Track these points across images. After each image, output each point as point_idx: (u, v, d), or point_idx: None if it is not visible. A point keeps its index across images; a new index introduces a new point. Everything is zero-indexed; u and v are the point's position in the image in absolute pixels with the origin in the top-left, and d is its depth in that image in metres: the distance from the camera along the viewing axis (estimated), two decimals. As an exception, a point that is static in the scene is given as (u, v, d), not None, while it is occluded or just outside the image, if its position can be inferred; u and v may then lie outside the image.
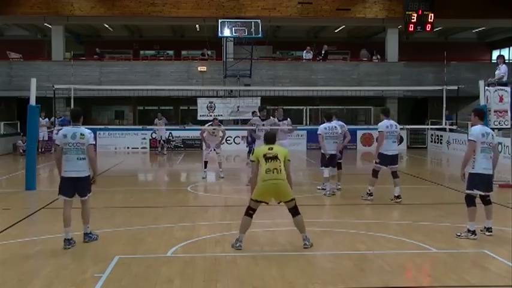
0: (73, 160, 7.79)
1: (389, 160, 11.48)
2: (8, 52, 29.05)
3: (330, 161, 12.52)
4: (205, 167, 15.71)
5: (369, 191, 11.73)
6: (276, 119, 14.45)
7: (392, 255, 7.41)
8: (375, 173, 11.70)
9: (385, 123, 11.57)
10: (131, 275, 6.51)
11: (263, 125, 14.14)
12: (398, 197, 11.44)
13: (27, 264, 7.13)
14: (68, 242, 7.73)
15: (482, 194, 8.33)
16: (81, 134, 7.87)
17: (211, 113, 24.65)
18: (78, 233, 8.25)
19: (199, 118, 25.10)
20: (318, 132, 12.63)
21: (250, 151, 17.07)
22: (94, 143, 8.05)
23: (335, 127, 12.57)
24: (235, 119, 26.42)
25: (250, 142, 17.14)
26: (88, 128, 8.22)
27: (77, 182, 7.82)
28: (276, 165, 7.54)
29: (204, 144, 16.60)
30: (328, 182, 12.52)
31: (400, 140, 27.08)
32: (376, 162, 11.64)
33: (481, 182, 8.25)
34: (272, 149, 7.71)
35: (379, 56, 29.23)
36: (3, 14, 26.95)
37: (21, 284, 6.28)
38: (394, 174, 11.48)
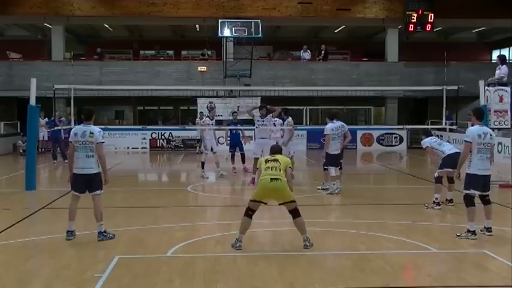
0: (82, 157, 8.12)
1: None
2: (8, 52, 29.05)
3: (336, 160, 12.53)
4: (203, 167, 15.76)
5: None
6: (276, 119, 14.64)
7: (392, 255, 7.40)
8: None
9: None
10: (131, 275, 6.51)
11: (263, 122, 14.35)
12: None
13: (27, 264, 7.13)
14: (71, 233, 8.15)
15: (480, 194, 8.33)
16: (90, 132, 8.16)
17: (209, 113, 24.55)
18: (78, 232, 8.33)
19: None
20: (325, 133, 12.63)
21: (233, 157, 17.04)
22: (103, 141, 8.25)
23: (339, 126, 12.62)
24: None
25: (233, 145, 17.04)
26: None
27: (86, 178, 8.13)
28: (275, 165, 7.68)
29: (202, 143, 16.51)
30: (334, 180, 12.51)
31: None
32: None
33: (477, 182, 8.25)
34: (274, 156, 7.94)
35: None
36: (3, 14, 26.94)
37: (21, 284, 6.28)
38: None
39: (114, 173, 15.03)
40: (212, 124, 15.98)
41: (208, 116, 16.37)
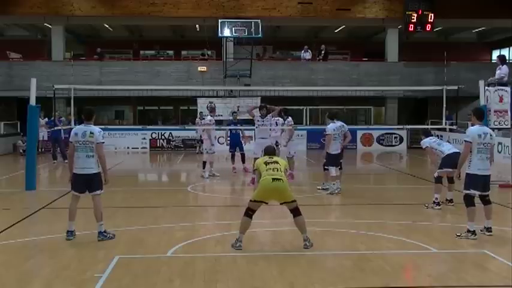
0: (82, 157, 8.13)
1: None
2: (8, 52, 29.05)
3: (336, 160, 12.52)
4: (204, 167, 15.78)
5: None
6: (278, 118, 14.74)
7: (392, 255, 7.40)
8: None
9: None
10: (131, 275, 6.51)
11: (263, 122, 14.42)
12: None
13: (27, 264, 7.13)
14: (71, 233, 8.16)
15: (480, 194, 8.33)
16: (90, 132, 8.17)
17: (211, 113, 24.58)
18: (79, 232, 8.33)
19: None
20: (327, 133, 12.62)
21: (233, 157, 17.05)
22: (103, 141, 8.27)
23: (340, 126, 12.61)
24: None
25: (233, 145, 17.07)
26: None
27: (86, 178, 8.14)
28: (276, 166, 7.71)
29: (205, 143, 16.47)
30: (335, 180, 12.50)
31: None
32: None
33: (477, 182, 8.25)
34: (272, 158, 7.96)
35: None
36: (3, 14, 26.94)
37: (21, 284, 6.28)
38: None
39: (114, 173, 15.03)
40: (211, 115, 16.27)
41: (211, 116, 16.42)
